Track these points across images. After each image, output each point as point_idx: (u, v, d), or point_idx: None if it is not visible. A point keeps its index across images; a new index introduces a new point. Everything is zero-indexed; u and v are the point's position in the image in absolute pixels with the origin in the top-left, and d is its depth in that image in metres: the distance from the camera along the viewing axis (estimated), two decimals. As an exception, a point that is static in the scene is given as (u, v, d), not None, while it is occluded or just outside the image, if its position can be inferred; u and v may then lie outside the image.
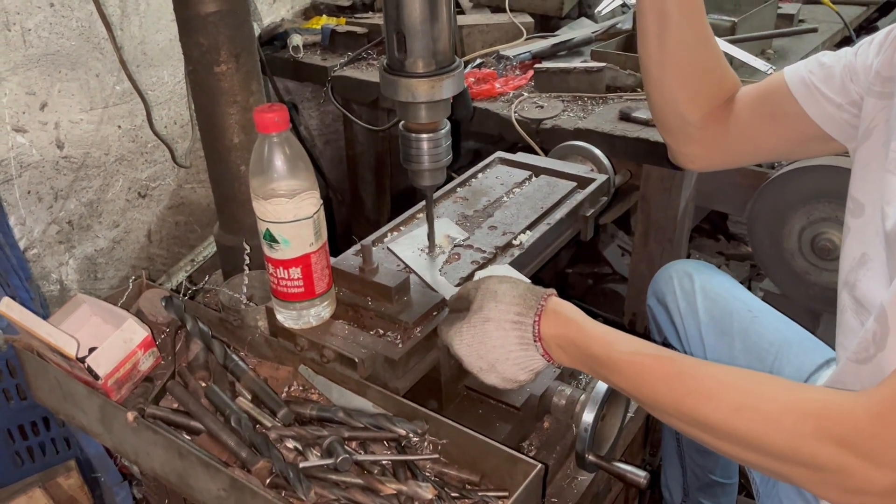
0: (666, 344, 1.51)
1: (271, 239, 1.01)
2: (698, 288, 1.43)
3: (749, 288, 2.61)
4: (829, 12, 2.40)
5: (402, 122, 1.12)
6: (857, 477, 0.72)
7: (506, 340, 0.95)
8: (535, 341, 0.94)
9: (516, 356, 0.95)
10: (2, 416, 1.61)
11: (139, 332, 1.05)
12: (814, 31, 2.20)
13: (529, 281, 1.02)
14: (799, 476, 0.78)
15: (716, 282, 1.44)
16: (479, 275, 1.11)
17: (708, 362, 0.86)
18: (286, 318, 1.07)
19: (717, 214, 2.88)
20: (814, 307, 1.86)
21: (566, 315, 0.94)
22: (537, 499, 0.89)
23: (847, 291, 1.02)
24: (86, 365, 0.99)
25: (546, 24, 2.41)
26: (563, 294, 1.00)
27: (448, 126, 1.13)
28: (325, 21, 2.45)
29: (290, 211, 0.98)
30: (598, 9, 2.27)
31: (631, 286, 2.07)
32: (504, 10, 2.34)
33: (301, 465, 0.92)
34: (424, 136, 1.11)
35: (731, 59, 1.95)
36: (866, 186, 0.99)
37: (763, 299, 2.02)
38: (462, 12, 2.42)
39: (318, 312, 1.08)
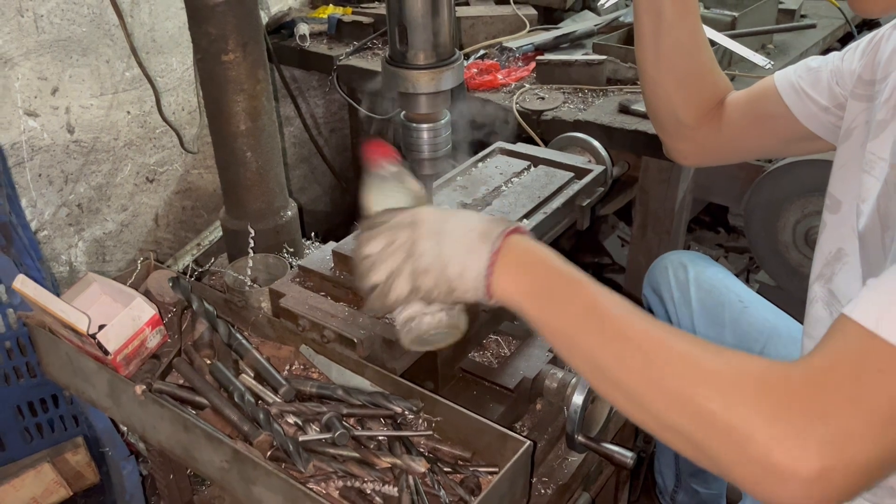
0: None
1: None
2: (692, 278, 1.46)
3: (747, 279, 2.65)
4: (831, 8, 2.41)
5: (403, 112, 1.15)
6: (786, 453, 0.63)
7: (473, 222, 0.85)
8: (497, 240, 0.83)
9: (471, 238, 0.84)
10: (12, 393, 1.66)
11: (147, 311, 1.09)
12: (812, 26, 2.22)
13: None
14: (715, 452, 0.68)
15: (710, 273, 1.48)
16: None
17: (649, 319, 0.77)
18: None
19: (717, 207, 2.91)
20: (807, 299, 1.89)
21: (537, 244, 0.85)
22: (526, 475, 0.93)
23: (821, 284, 1.06)
24: (96, 340, 1.02)
25: (549, 16, 2.43)
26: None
27: (448, 116, 1.16)
28: (331, 10, 2.48)
29: None
30: (601, 2, 2.28)
31: (628, 276, 2.11)
32: (508, 2, 2.37)
33: (300, 439, 0.96)
34: (424, 126, 1.14)
35: (730, 54, 1.97)
36: (844, 185, 1.03)
37: (759, 291, 2.06)
38: (467, 3, 2.45)
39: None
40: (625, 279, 2.16)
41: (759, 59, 1.95)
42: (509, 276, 0.82)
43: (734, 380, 0.67)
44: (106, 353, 1.04)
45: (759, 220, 1.87)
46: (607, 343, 0.76)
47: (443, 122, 1.15)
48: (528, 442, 0.90)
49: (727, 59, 1.98)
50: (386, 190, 0.97)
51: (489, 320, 1.24)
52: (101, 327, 1.04)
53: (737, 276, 2.63)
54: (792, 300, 1.88)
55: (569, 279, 0.81)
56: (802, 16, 2.39)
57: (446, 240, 0.84)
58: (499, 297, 0.83)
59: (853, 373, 0.64)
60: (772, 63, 1.96)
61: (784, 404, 0.64)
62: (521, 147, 1.58)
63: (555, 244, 1.45)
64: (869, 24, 2.69)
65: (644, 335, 0.74)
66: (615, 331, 0.76)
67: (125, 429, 1.57)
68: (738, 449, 0.65)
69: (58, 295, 1.10)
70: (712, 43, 1.68)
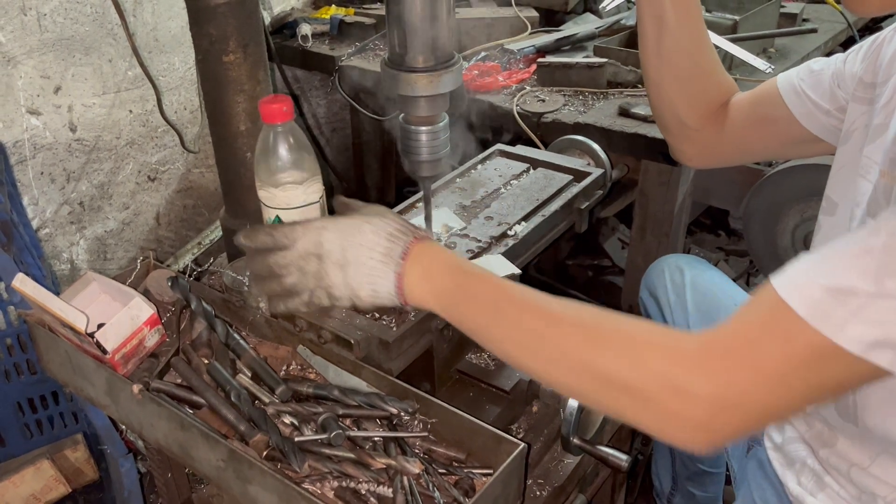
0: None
1: None
2: (688, 282, 1.46)
3: (747, 283, 2.65)
4: (833, 12, 2.41)
5: (402, 115, 1.16)
6: (674, 403, 0.73)
7: (374, 244, 0.91)
8: (400, 259, 0.90)
9: (373, 265, 0.91)
10: (12, 390, 1.66)
11: (145, 310, 1.10)
12: (814, 31, 2.22)
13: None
14: (623, 407, 0.78)
15: (706, 276, 1.48)
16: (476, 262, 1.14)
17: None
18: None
19: (718, 210, 2.91)
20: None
21: (441, 248, 0.93)
22: (520, 476, 0.94)
23: None
24: (94, 339, 1.03)
25: (551, 18, 2.43)
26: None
27: (446, 119, 1.17)
28: (334, 11, 2.49)
29: (299, 197, 1.02)
30: (603, 4, 2.29)
31: (627, 278, 2.11)
32: (510, 4, 2.37)
33: (296, 439, 0.96)
34: (423, 128, 1.15)
35: (731, 58, 1.98)
36: (841, 187, 1.03)
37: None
38: (468, 5, 2.45)
39: None
40: (624, 281, 2.16)
41: (759, 63, 1.96)
42: (418, 287, 0.90)
43: (641, 345, 0.76)
44: (104, 351, 1.04)
45: (759, 224, 1.87)
46: (512, 330, 0.84)
47: (441, 124, 1.15)
48: (523, 444, 0.91)
49: (728, 62, 1.98)
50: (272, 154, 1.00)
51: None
52: (99, 326, 1.05)
53: (737, 279, 2.64)
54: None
55: (472, 278, 0.89)
56: (804, 20, 2.39)
57: (351, 270, 0.91)
58: (414, 304, 0.92)
59: (755, 335, 0.73)
60: (772, 67, 1.96)
61: (682, 364, 0.74)
62: (521, 149, 1.59)
63: (554, 246, 1.46)
64: (872, 29, 2.69)
65: (543, 312, 0.83)
66: (518, 317, 0.84)
67: (124, 427, 1.57)
68: (642, 407, 0.76)
69: (58, 293, 1.11)
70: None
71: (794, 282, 0.72)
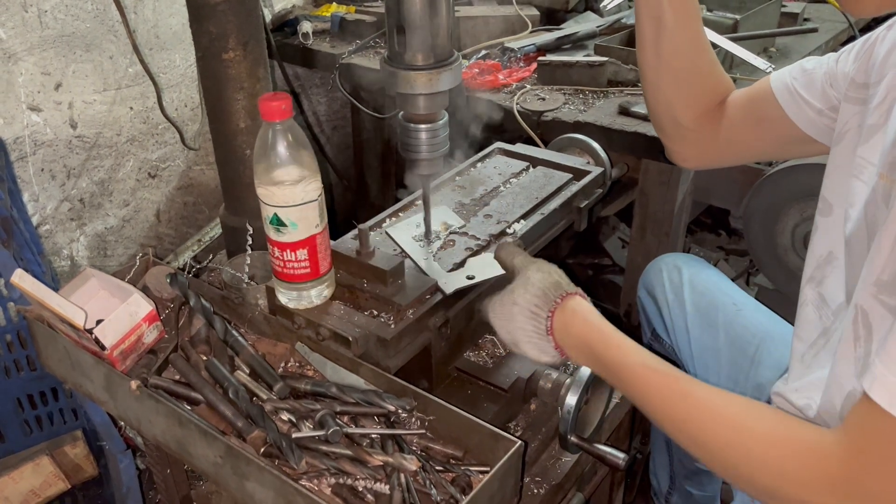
0: (654, 334, 1.55)
1: (278, 223, 1.04)
2: (686, 281, 1.47)
3: (747, 282, 2.65)
4: (834, 11, 2.41)
5: (402, 113, 1.16)
6: None
7: (526, 325, 1.03)
8: (547, 334, 1.01)
9: (535, 342, 1.03)
10: (12, 386, 1.67)
11: (144, 306, 1.10)
12: (814, 31, 2.22)
13: (562, 273, 1.07)
14: None
15: (704, 275, 1.48)
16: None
17: (711, 387, 0.89)
18: (290, 298, 1.12)
19: (719, 209, 2.91)
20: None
21: (582, 316, 1.00)
22: (517, 474, 0.94)
23: (812, 286, 1.06)
24: (93, 336, 1.03)
25: (552, 17, 2.43)
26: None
27: (446, 117, 1.17)
28: (334, 9, 2.49)
29: (298, 194, 1.02)
30: (604, 3, 2.29)
31: (627, 277, 2.11)
32: (511, 3, 2.37)
33: (294, 435, 0.97)
34: (423, 126, 1.15)
35: (731, 57, 1.98)
36: (836, 188, 1.03)
37: (758, 294, 2.07)
38: (469, 3, 2.45)
39: (320, 292, 1.12)
40: (623, 280, 2.16)
41: (759, 62, 1.96)
42: (570, 353, 1.03)
43: (781, 460, 0.80)
44: (103, 347, 1.05)
45: (758, 224, 1.87)
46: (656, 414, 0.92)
47: (441, 122, 1.16)
48: (519, 442, 0.91)
49: (728, 62, 1.98)
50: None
51: (484, 321, 1.25)
52: (98, 322, 1.05)
53: (737, 278, 2.64)
54: (789, 303, 1.88)
55: (601, 360, 0.98)
56: (806, 19, 2.38)
57: (521, 346, 1.05)
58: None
59: (882, 454, 0.75)
60: (772, 66, 1.96)
61: (831, 482, 0.77)
62: (520, 148, 1.59)
63: (554, 245, 1.46)
64: (873, 29, 2.69)
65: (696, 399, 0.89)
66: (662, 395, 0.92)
67: (123, 423, 1.58)
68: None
69: (57, 289, 1.11)
70: (713, 46, 1.69)
71: (890, 391, 0.73)
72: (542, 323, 1.01)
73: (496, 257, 1.16)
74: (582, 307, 1.01)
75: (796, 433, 0.82)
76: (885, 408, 0.72)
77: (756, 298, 1.52)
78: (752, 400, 0.87)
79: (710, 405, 0.87)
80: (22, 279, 1.08)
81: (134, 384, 1.01)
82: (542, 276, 1.04)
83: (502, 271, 1.16)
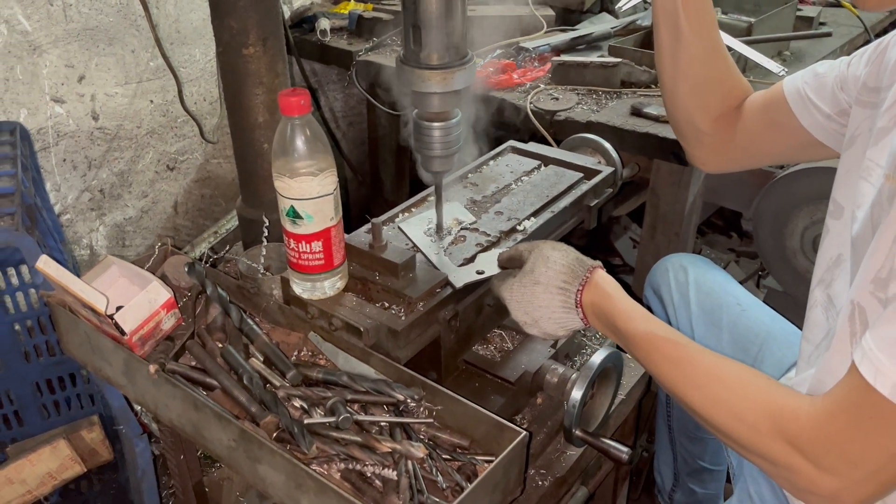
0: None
1: (295, 215, 1.07)
2: (692, 281, 1.48)
3: (757, 284, 2.66)
4: (849, 16, 2.41)
5: (416, 111, 1.18)
6: (804, 476, 0.82)
7: (551, 302, 1.07)
8: (576, 307, 1.07)
9: (558, 316, 1.08)
10: (32, 370, 1.71)
11: (163, 294, 1.13)
12: (829, 35, 2.22)
13: (577, 251, 1.11)
14: (761, 466, 0.90)
15: (709, 276, 1.50)
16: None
17: (711, 352, 0.95)
18: (304, 289, 1.14)
19: (731, 211, 2.92)
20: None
21: (605, 289, 1.06)
22: (521, 464, 0.96)
23: (821, 289, 1.08)
24: (113, 321, 1.06)
25: (567, 17, 2.45)
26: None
27: (459, 115, 1.19)
28: (352, 6, 2.52)
29: (314, 188, 1.05)
30: (619, 4, 2.31)
31: (637, 277, 2.13)
32: (526, 3, 2.39)
33: (305, 421, 0.99)
34: (436, 124, 1.17)
35: (745, 60, 1.99)
36: (847, 191, 1.04)
37: (767, 296, 2.07)
38: (485, 3, 2.47)
39: (333, 283, 1.14)
40: (633, 280, 2.18)
41: (773, 65, 1.97)
42: (594, 322, 1.08)
43: (757, 418, 0.86)
44: (122, 333, 1.08)
45: (768, 226, 1.88)
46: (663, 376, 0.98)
47: (454, 120, 1.18)
48: (524, 432, 0.93)
49: (742, 64, 1.99)
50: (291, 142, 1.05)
51: (493, 315, 1.27)
52: (118, 308, 1.08)
53: (747, 280, 2.64)
54: (799, 306, 1.89)
55: (627, 335, 1.03)
56: (821, 23, 2.39)
57: (542, 323, 1.10)
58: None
59: (851, 420, 0.79)
60: (786, 70, 1.97)
61: (793, 440, 0.82)
62: (532, 146, 1.61)
63: (564, 242, 1.48)
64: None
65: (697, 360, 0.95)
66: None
67: (139, 408, 1.61)
68: (775, 473, 0.88)
69: (79, 277, 1.14)
70: (727, 49, 1.70)
71: (876, 365, 0.76)
72: (572, 297, 1.06)
73: (500, 266, 1.19)
74: (605, 280, 1.07)
75: (779, 394, 0.87)
76: (871, 382, 0.76)
77: (765, 301, 1.54)
78: (752, 368, 0.92)
79: (707, 366, 0.93)
80: (47, 265, 1.11)
81: (152, 368, 1.04)
82: (561, 253, 1.09)
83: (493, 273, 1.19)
